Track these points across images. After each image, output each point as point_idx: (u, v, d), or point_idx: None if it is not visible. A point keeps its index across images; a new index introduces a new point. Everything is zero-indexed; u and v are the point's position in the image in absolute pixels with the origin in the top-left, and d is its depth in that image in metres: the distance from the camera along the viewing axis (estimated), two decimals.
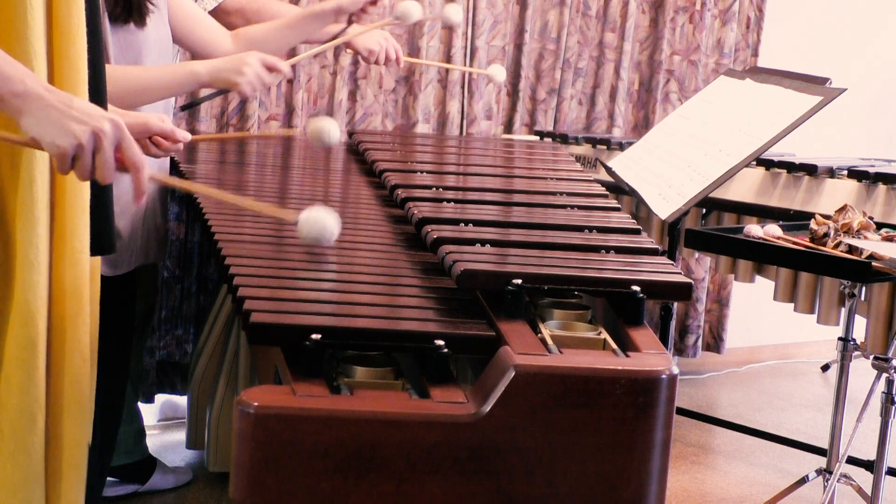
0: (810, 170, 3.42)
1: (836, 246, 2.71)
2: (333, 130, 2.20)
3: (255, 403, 1.43)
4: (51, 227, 1.74)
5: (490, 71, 3.32)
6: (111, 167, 1.62)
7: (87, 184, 1.77)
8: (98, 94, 1.82)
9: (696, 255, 4.10)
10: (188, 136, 2.14)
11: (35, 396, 1.71)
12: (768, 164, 3.50)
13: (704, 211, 3.66)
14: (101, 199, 1.84)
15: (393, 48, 3.17)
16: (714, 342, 4.65)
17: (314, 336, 1.54)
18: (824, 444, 3.25)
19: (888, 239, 2.78)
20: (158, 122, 2.10)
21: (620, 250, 2.00)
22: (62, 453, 1.76)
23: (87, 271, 1.80)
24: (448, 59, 3.96)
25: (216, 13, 3.06)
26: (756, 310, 4.62)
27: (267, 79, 2.46)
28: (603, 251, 2.00)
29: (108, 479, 2.97)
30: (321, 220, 1.67)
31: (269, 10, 3.13)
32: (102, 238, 1.84)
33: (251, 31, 2.86)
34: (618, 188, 3.31)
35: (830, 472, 3.08)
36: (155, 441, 3.51)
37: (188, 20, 2.71)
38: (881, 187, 3.28)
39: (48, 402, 1.74)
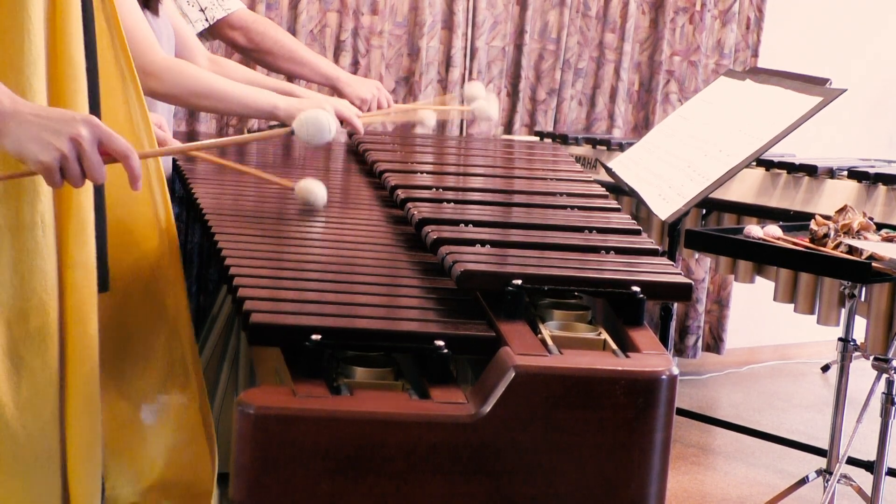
0: (810, 170, 3.43)
1: (836, 246, 2.71)
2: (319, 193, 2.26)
3: (255, 404, 1.43)
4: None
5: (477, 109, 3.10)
6: (100, 167, 1.61)
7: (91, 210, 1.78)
8: (94, 101, 1.82)
9: (696, 255, 4.10)
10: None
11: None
12: (768, 165, 3.51)
13: (704, 211, 3.66)
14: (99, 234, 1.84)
15: (385, 98, 3.17)
16: (714, 343, 4.66)
17: (314, 336, 1.54)
18: (824, 445, 3.25)
19: (888, 239, 2.78)
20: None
21: (620, 251, 2.00)
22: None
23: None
24: (448, 59, 3.96)
25: (220, 25, 3.06)
26: (756, 310, 4.62)
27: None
28: (603, 252, 1.99)
29: None
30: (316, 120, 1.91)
31: (271, 36, 3.13)
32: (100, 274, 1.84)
33: (229, 70, 2.86)
34: (618, 189, 3.31)
35: (830, 473, 3.08)
36: None
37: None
38: (881, 188, 3.28)
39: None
